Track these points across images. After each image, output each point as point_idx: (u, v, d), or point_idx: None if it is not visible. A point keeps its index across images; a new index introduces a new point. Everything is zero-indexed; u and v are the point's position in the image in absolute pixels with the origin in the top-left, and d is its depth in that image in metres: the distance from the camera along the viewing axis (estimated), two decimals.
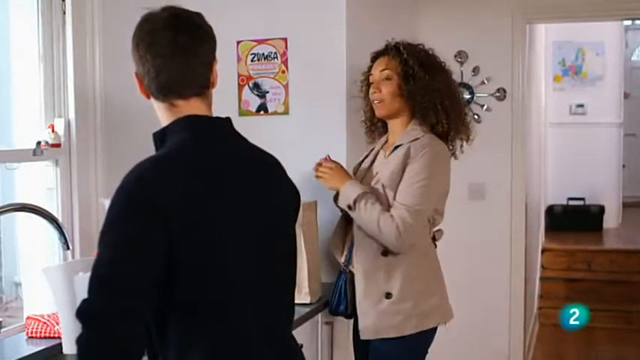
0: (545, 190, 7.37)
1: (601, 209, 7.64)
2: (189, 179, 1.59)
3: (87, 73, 3.13)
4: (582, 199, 7.67)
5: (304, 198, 1.87)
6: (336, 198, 2.84)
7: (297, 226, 1.86)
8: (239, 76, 3.19)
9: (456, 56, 4.09)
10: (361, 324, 2.67)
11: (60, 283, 2.21)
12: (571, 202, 7.67)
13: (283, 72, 3.14)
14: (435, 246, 2.80)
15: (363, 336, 2.67)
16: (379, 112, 2.77)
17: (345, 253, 2.80)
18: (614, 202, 7.91)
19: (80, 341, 1.49)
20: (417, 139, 2.66)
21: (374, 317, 2.64)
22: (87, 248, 2.98)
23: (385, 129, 2.87)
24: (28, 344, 2.43)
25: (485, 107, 4.14)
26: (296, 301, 1.85)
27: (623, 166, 8.18)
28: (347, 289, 2.76)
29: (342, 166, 2.77)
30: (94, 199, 3.12)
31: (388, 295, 2.63)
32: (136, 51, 1.68)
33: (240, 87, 3.19)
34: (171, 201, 1.54)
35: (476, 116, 4.06)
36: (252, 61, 3.17)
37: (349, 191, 2.64)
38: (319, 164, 2.76)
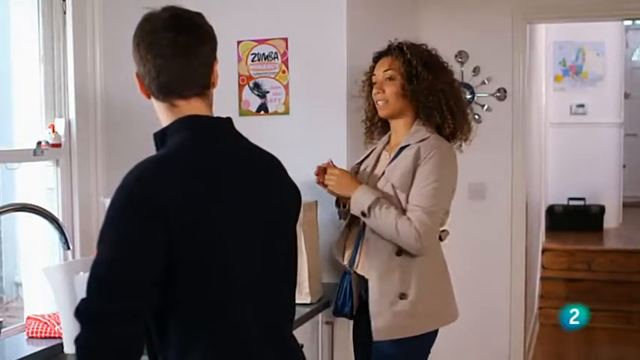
0: (545, 190, 7.36)
1: (601, 209, 7.64)
2: (190, 179, 1.59)
3: (87, 73, 3.13)
4: (583, 199, 7.67)
5: (305, 198, 1.87)
6: (337, 203, 2.84)
7: (297, 225, 1.85)
8: (239, 76, 3.19)
9: (456, 56, 4.08)
10: (375, 325, 2.63)
11: (60, 283, 2.21)
12: (571, 202, 7.67)
13: (284, 72, 3.14)
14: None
15: (377, 337, 2.63)
16: (382, 113, 2.76)
17: (348, 254, 2.79)
18: (614, 202, 7.91)
19: (79, 341, 1.49)
20: (424, 139, 2.65)
21: (389, 318, 2.62)
22: (87, 248, 2.98)
23: (385, 129, 2.87)
24: (28, 344, 2.43)
25: (485, 107, 4.14)
26: (296, 301, 1.85)
27: (624, 166, 8.18)
28: (352, 291, 2.76)
29: (347, 171, 2.76)
30: (94, 199, 3.12)
31: (402, 296, 2.61)
32: (136, 51, 1.68)
33: (241, 87, 3.19)
34: (171, 201, 1.54)
35: (476, 116, 4.06)
36: (252, 61, 3.17)
37: (362, 198, 2.62)
38: (323, 170, 2.74)
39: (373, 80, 2.78)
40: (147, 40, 1.66)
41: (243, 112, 3.17)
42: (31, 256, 2.98)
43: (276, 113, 3.16)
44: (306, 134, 3.13)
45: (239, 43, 3.17)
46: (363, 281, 2.73)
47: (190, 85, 1.68)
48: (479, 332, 4.10)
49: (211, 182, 1.62)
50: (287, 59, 3.13)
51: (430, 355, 2.76)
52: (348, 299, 2.76)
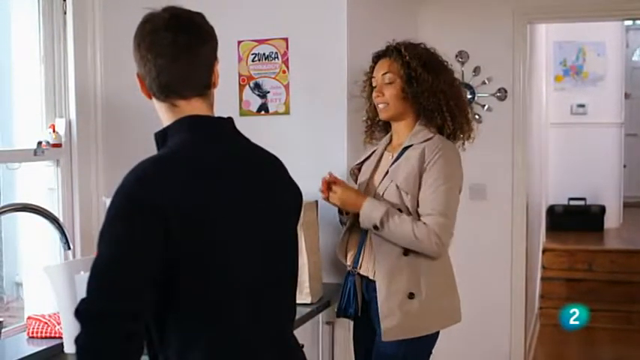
0: (546, 190, 7.36)
1: (602, 209, 7.64)
2: (190, 179, 1.59)
3: (88, 73, 3.13)
4: (583, 199, 7.67)
5: (305, 198, 1.86)
6: (340, 210, 2.83)
7: (298, 225, 1.85)
8: (240, 76, 3.19)
9: (457, 56, 4.09)
10: (384, 326, 2.62)
11: (61, 282, 2.22)
12: (572, 202, 7.67)
13: (284, 72, 3.14)
14: None
15: (386, 337, 2.62)
16: (383, 116, 2.76)
17: (351, 255, 2.79)
18: (615, 202, 7.90)
19: (79, 341, 1.49)
20: (428, 139, 2.65)
21: (399, 318, 2.61)
22: (88, 248, 2.98)
23: (385, 129, 2.86)
24: (28, 344, 2.43)
25: (486, 107, 4.15)
26: (297, 301, 1.84)
27: (624, 166, 8.18)
28: (356, 292, 2.76)
29: (349, 187, 2.75)
30: (94, 199, 3.12)
31: (411, 295, 2.61)
32: (137, 51, 1.68)
33: (241, 87, 3.19)
34: (171, 201, 1.54)
35: (477, 116, 4.06)
36: (253, 61, 3.17)
37: (371, 211, 2.61)
38: (329, 187, 2.72)
39: (373, 83, 2.78)
40: (147, 41, 1.66)
41: (243, 112, 3.17)
42: (32, 256, 2.99)
43: (276, 113, 3.16)
44: (306, 134, 3.13)
45: (239, 43, 3.17)
46: (366, 282, 2.73)
47: (191, 85, 1.68)
48: (480, 332, 4.10)
49: (211, 182, 1.62)
50: (287, 59, 3.13)
51: (432, 356, 2.76)
52: (352, 300, 2.76)
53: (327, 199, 2.74)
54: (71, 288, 2.17)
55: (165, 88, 1.67)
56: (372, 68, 2.79)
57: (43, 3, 2.97)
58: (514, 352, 4.24)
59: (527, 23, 4.17)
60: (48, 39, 2.99)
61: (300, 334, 2.22)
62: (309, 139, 3.13)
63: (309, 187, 2.67)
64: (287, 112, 3.15)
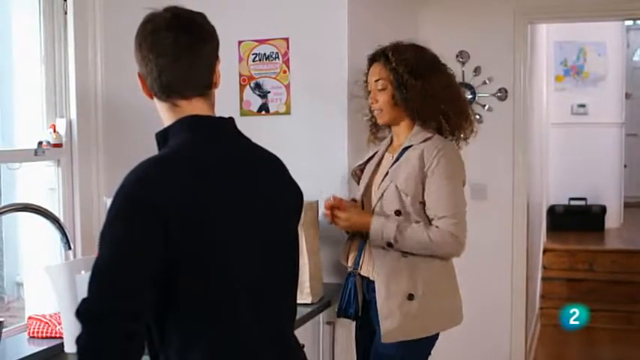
0: (546, 190, 7.36)
1: (602, 209, 7.64)
2: (190, 180, 1.59)
3: (88, 73, 3.13)
4: (584, 199, 7.67)
5: (306, 198, 1.86)
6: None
7: (299, 225, 1.85)
8: (240, 76, 3.19)
9: (457, 56, 4.09)
10: (384, 327, 2.62)
11: (62, 282, 2.22)
12: (572, 202, 7.67)
13: (285, 72, 3.14)
14: None
15: (386, 339, 2.61)
16: (380, 121, 2.77)
17: (352, 257, 2.79)
18: (615, 202, 7.90)
19: (80, 341, 1.49)
20: (427, 138, 2.65)
21: (399, 319, 2.60)
22: (88, 248, 2.98)
23: (389, 128, 2.86)
24: (29, 344, 2.43)
25: (486, 107, 4.15)
26: (297, 301, 1.84)
27: (625, 166, 8.18)
28: (357, 292, 2.76)
29: (353, 209, 2.74)
30: (95, 199, 3.12)
31: (410, 297, 2.61)
32: (138, 51, 1.68)
33: (242, 87, 3.19)
34: (172, 201, 1.54)
35: (477, 116, 4.06)
36: (253, 61, 3.17)
37: (382, 231, 2.60)
38: (334, 213, 2.72)
39: (368, 88, 2.78)
40: (149, 40, 1.66)
41: (244, 113, 3.17)
42: (33, 257, 2.99)
43: (277, 113, 3.16)
44: (307, 134, 3.13)
45: (240, 43, 3.17)
46: (367, 282, 2.73)
47: (192, 85, 1.68)
48: (480, 332, 4.10)
49: (212, 182, 1.62)
50: (288, 59, 3.13)
51: (431, 357, 2.76)
52: (352, 301, 2.76)
53: (332, 223, 2.75)
54: (72, 288, 2.17)
55: (166, 88, 1.67)
56: (367, 72, 2.79)
57: (44, 3, 2.97)
58: (514, 352, 4.24)
59: (528, 23, 4.17)
60: (49, 39, 2.99)
61: (301, 334, 2.22)
62: (310, 139, 3.13)
63: (310, 187, 2.67)
64: (288, 112, 3.15)
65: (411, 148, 2.66)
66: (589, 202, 7.67)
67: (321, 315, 2.85)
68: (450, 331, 2.73)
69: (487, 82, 4.12)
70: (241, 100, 3.19)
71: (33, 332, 2.46)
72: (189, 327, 1.60)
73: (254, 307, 1.65)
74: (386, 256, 2.63)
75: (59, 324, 2.41)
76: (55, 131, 2.97)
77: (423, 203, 2.61)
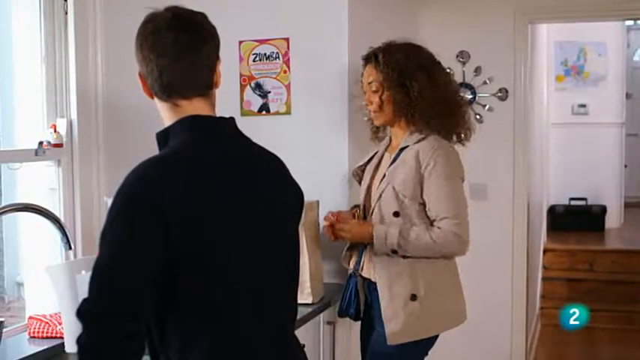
0: (547, 190, 7.36)
1: (603, 209, 7.64)
2: (190, 180, 1.59)
3: (89, 73, 3.13)
4: (584, 199, 7.67)
5: (306, 198, 1.86)
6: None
7: (299, 225, 1.85)
8: (241, 76, 3.19)
9: (457, 56, 4.09)
10: (389, 329, 2.61)
11: (62, 282, 2.22)
12: (573, 202, 7.66)
13: (285, 72, 3.14)
14: None
15: (391, 341, 2.61)
16: (376, 122, 2.79)
17: (353, 260, 2.79)
18: (616, 202, 7.90)
19: (81, 341, 1.49)
20: (423, 138, 2.65)
21: (403, 321, 2.60)
22: (89, 248, 2.98)
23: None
24: (30, 344, 2.43)
25: (487, 107, 4.14)
26: (298, 301, 1.85)
27: (625, 166, 8.18)
28: (358, 293, 2.76)
29: (353, 221, 2.75)
30: (95, 199, 3.12)
31: (413, 297, 2.61)
32: (139, 51, 1.68)
33: (242, 87, 3.19)
34: (172, 201, 1.54)
35: (478, 116, 4.06)
36: (254, 61, 3.17)
37: (384, 238, 2.60)
38: (333, 230, 2.74)
39: (363, 89, 2.78)
40: (149, 40, 1.66)
41: (244, 113, 3.17)
42: (33, 256, 2.99)
43: (277, 113, 3.16)
44: (307, 134, 3.13)
45: (240, 43, 3.17)
46: (368, 283, 2.73)
47: (193, 85, 1.68)
48: (480, 332, 4.10)
49: (212, 182, 1.61)
50: (288, 59, 3.13)
51: (431, 357, 2.76)
52: (353, 301, 2.77)
53: (335, 240, 2.76)
54: (72, 288, 2.18)
55: (167, 88, 1.67)
56: (362, 73, 2.78)
57: (44, 3, 2.97)
58: (515, 352, 4.23)
59: (528, 23, 4.17)
60: (49, 39, 2.99)
61: (302, 334, 2.22)
62: (310, 139, 3.13)
63: (310, 187, 2.67)
64: (288, 112, 3.15)
65: (407, 149, 2.66)
66: (589, 202, 7.66)
67: (321, 315, 2.85)
68: (450, 331, 2.73)
69: (487, 82, 4.12)
70: (242, 100, 3.19)
71: (33, 332, 2.46)
72: (190, 327, 1.60)
73: (254, 307, 1.65)
74: (386, 257, 2.63)
75: (60, 324, 2.41)
76: (55, 131, 2.97)
77: (423, 204, 2.61)
